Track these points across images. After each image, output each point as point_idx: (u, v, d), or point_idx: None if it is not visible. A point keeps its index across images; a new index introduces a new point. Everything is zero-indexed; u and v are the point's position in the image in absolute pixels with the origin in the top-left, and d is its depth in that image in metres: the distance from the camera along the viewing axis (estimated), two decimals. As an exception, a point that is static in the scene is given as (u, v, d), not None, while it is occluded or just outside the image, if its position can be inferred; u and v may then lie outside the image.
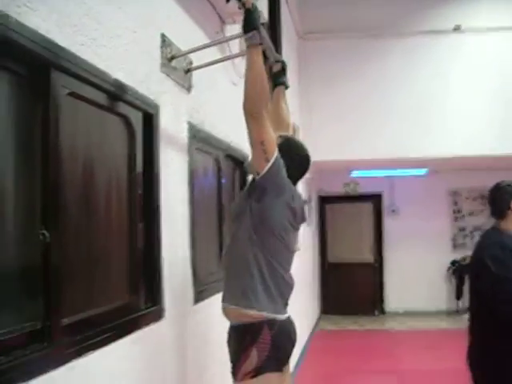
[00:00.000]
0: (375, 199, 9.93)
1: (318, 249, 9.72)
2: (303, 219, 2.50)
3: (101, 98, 1.99)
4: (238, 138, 3.84)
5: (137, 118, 2.28)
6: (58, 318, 1.67)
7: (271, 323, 2.23)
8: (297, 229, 2.47)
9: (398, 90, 7.41)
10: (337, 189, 9.92)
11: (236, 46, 3.81)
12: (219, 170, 3.44)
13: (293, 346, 2.38)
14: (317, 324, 8.93)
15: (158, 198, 2.39)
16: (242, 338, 2.25)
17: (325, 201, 9.97)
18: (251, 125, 2.19)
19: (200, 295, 2.89)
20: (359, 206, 9.89)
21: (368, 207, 9.93)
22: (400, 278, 9.61)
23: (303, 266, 7.29)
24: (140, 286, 2.27)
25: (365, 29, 7.42)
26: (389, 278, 9.80)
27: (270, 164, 2.19)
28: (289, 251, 2.43)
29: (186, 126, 2.81)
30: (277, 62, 2.88)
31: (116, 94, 2.06)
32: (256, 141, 2.20)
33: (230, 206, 3.26)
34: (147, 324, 2.23)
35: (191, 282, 2.81)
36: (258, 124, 2.17)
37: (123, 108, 2.16)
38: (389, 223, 9.83)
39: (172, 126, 2.62)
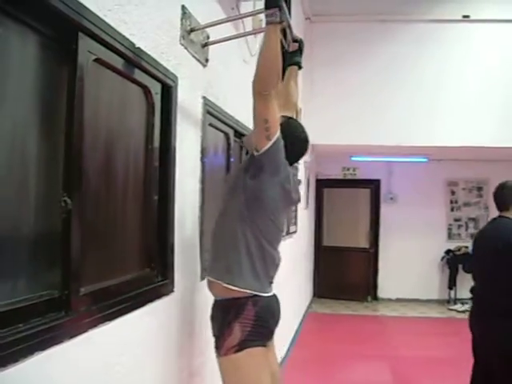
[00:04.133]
0: (373, 185, 9.93)
1: (313, 232, 9.73)
2: (297, 200, 2.53)
3: (124, 66, 1.95)
4: (248, 117, 3.81)
5: (156, 89, 2.25)
6: (76, 286, 1.65)
7: (255, 300, 2.25)
8: (289, 209, 2.48)
9: (402, 77, 7.37)
10: (335, 172, 9.91)
11: (249, 23, 3.77)
12: (229, 147, 3.41)
13: (276, 322, 2.42)
14: (309, 307, 8.97)
15: (173, 172, 2.37)
16: (225, 314, 2.26)
17: (323, 184, 9.94)
18: (258, 102, 2.17)
19: (207, 271, 2.87)
20: (357, 191, 9.87)
21: (366, 193, 9.93)
22: (394, 265, 9.65)
23: (298, 249, 7.30)
24: (153, 258, 2.25)
25: (373, 13, 7.36)
26: (383, 265, 9.83)
27: (270, 143, 2.19)
28: (278, 230, 2.46)
29: (201, 101, 2.78)
30: (294, 41, 2.84)
31: (138, 64, 2.02)
32: (260, 118, 2.19)
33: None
34: (159, 297, 2.23)
35: (199, 259, 2.80)
36: (265, 102, 2.15)
37: (144, 78, 2.13)
38: (386, 210, 9.85)
39: (188, 99, 2.58)
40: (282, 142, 2.24)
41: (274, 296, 2.41)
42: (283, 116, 2.45)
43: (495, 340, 3.28)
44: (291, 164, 2.43)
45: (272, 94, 2.15)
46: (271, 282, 2.41)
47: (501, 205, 3.56)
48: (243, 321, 2.22)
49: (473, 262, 3.79)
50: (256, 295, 2.26)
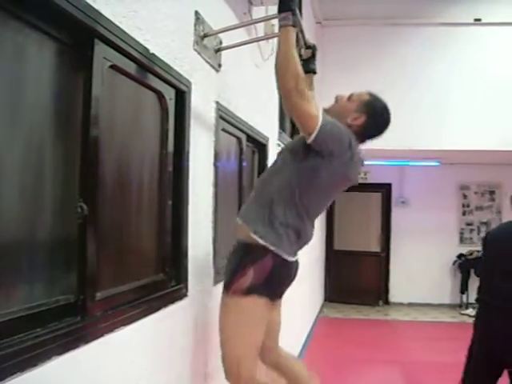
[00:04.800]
0: (385, 189, 9.90)
1: (324, 236, 9.71)
2: (355, 183, 2.49)
3: (139, 72, 1.96)
4: (260, 121, 3.83)
5: (170, 95, 2.26)
6: (92, 291, 1.66)
7: (276, 257, 2.24)
8: (342, 189, 2.48)
9: (413, 80, 7.36)
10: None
11: (262, 28, 3.78)
12: (241, 152, 3.42)
13: (290, 283, 2.43)
14: (320, 311, 8.95)
15: (187, 177, 2.38)
16: (244, 255, 2.26)
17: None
18: (286, 102, 2.20)
19: (220, 276, 2.88)
20: (368, 195, 9.83)
21: (377, 197, 9.90)
22: (406, 269, 9.62)
23: (310, 253, 7.29)
24: (167, 263, 2.26)
25: (383, 17, 7.35)
26: (394, 269, 9.80)
27: (313, 136, 2.17)
28: (322, 207, 2.47)
29: (214, 106, 2.79)
30: (307, 48, 2.85)
31: (153, 69, 2.03)
32: (294, 115, 2.21)
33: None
34: (173, 302, 2.23)
35: (212, 263, 2.81)
36: (293, 100, 2.14)
37: (158, 84, 2.14)
38: (397, 214, 9.81)
39: (201, 104, 2.59)
40: (328, 128, 2.20)
41: (296, 262, 2.39)
42: (371, 94, 2.47)
43: None
44: (368, 139, 2.47)
45: (297, 90, 2.12)
46: (296, 253, 2.39)
47: None
48: (259, 268, 2.21)
49: (486, 262, 3.70)
50: (279, 255, 2.24)
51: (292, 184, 2.27)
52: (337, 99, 2.51)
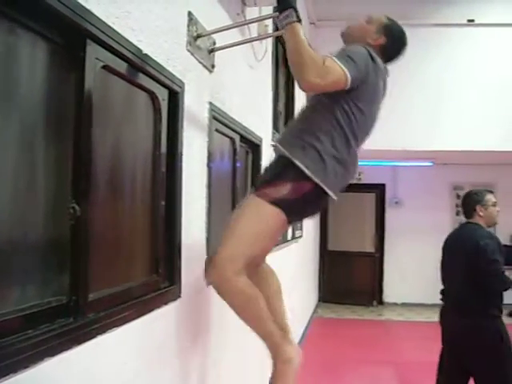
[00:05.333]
0: (379, 189, 9.92)
1: (318, 236, 9.72)
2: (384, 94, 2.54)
3: (131, 72, 1.96)
4: (253, 122, 3.83)
5: (163, 96, 2.26)
6: (85, 292, 1.65)
7: (318, 187, 2.19)
8: (379, 106, 2.50)
9: (407, 80, 7.35)
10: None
11: (255, 29, 3.78)
12: (235, 152, 3.41)
13: (316, 213, 2.48)
14: (315, 311, 8.96)
15: (180, 178, 2.37)
16: (288, 169, 2.21)
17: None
18: (320, 90, 2.20)
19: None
20: (362, 195, 9.86)
21: (371, 197, 9.92)
22: (400, 269, 9.64)
23: (304, 254, 7.30)
24: (160, 264, 2.25)
25: (377, 18, 7.35)
26: (388, 269, 9.82)
27: (349, 82, 2.16)
28: (368, 130, 2.44)
29: (207, 107, 2.79)
30: None
31: (145, 70, 2.03)
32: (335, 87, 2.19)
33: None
34: (166, 303, 2.22)
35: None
36: (327, 80, 2.11)
37: (151, 84, 2.13)
38: (391, 214, 9.83)
39: (194, 105, 2.59)
40: (355, 67, 2.17)
41: (333, 196, 2.31)
42: (389, 18, 2.55)
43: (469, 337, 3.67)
44: (387, 61, 2.48)
45: (321, 76, 2.09)
46: (343, 187, 2.36)
47: (466, 212, 4.05)
48: (297, 187, 2.17)
49: (443, 264, 4.41)
50: (320, 187, 2.20)
51: (336, 110, 2.23)
52: (354, 21, 2.57)
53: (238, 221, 2.25)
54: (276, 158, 2.36)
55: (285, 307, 2.55)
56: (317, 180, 2.17)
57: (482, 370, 3.64)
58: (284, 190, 2.16)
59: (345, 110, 2.25)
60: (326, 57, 2.15)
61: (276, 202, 2.16)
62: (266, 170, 2.36)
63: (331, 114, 2.24)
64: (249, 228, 2.22)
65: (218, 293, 2.20)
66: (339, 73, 2.13)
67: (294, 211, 2.24)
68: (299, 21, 2.10)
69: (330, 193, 2.23)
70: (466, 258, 3.76)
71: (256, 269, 2.44)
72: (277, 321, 2.34)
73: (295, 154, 2.20)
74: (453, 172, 9.52)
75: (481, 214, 3.89)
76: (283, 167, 2.23)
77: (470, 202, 3.98)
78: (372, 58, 2.28)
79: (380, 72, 2.36)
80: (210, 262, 2.28)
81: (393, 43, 2.49)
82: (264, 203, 2.17)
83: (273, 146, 2.33)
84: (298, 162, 2.18)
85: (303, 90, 2.20)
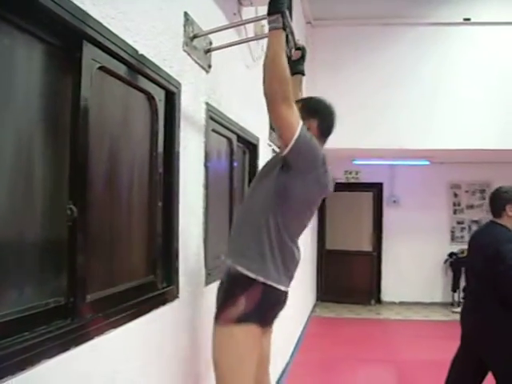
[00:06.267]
0: (376, 188, 9.92)
1: (316, 236, 9.72)
2: (331, 191, 2.51)
3: (128, 73, 1.96)
4: (250, 122, 3.82)
5: (159, 96, 2.26)
6: (82, 294, 1.65)
7: (265, 285, 2.24)
8: (318, 204, 2.49)
9: (404, 79, 7.37)
10: (338, 176, 9.90)
11: (251, 29, 3.78)
12: (232, 152, 3.42)
13: (280, 309, 2.43)
14: (313, 311, 8.96)
15: (177, 178, 2.37)
16: (234, 286, 2.26)
17: (325, 188, 9.91)
18: (270, 109, 2.18)
19: (211, 277, 2.88)
20: (360, 194, 9.86)
21: (368, 196, 9.92)
22: (397, 268, 9.65)
23: (302, 253, 7.29)
24: (158, 264, 2.25)
25: (374, 17, 7.36)
26: (386, 268, 9.82)
27: (292, 142, 2.16)
28: (302, 225, 2.47)
29: (204, 107, 2.79)
30: (297, 49, 2.84)
31: (142, 71, 2.03)
32: (275, 124, 2.23)
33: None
34: (164, 303, 2.23)
35: (203, 264, 2.80)
36: (277, 108, 2.14)
37: (148, 85, 2.14)
38: (388, 213, 9.84)
39: (191, 105, 2.59)
40: (306, 138, 2.21)
41: (287, 293, 2.40)
42: (303, 99, 2.56)
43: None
44: (326, 137, 2.50)
45: (282, 96, 2.12)
46: (291, 278, 2.41)
47: (494, 211, 3.70)
48: (250, 296, 2.21)
49: (467, 262, 4.05)
50: (269, 285, 2.25)
51: (268, 207, 2.28)
52: None
53: (218, 360, 2.29)
54: (220, 282, 2.39)
55: None
56: (261, 278, 2.23)
57: (501, 366, 3.56)
58: (241, 304, 2.21)
59: (278, 205, 2.29)
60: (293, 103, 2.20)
61: (240, 320, 2.21)
62: (217, 296, 2.38)
63: (263, 212, 2.29)
64: (231, 358, 2.27)
65: None
66: (293, 118, 2.17)
67: (262, 316, 2.29)
68: (284, 28, 2.16)
69: (276, 285, 2.28)
70: (485, 260, 3.50)
71: None
72: None
73: (236, 260, 2.27)
74: (450, 171, 9.52)
75: (510, 214, 3.59)
76: (229, 287, 2.29)
77: (499, 201, 3.67)
78: (323, 161, 2.34)
79: (326, 175, 2.38)
80: None
81: (323, 120, 2.48)
82: (231, 328, 2.22)
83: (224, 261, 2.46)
84: (239, 267, 2.24)
85: (264, 95, 2.18)
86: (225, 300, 2.27)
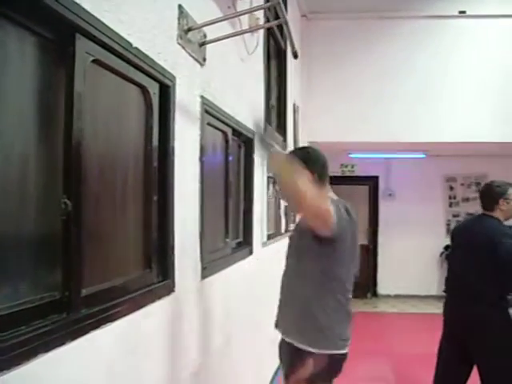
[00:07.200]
0: (372, 182, 9.93)
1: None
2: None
3: (122, 66, 1.94)
4: (246, 115, 3.82)
5: (154, 90, 2.24)
6: (77, 288, 1.65)
7: (330, 355, 2.35)
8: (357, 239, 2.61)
9: (399, 73, 7.37)
10: (334, 169, 9.89)
11: (246, 21, 3.77)
12: (227, 146, 3.41)
13: (341, 370, 2.53)
14: (309, 304, 8.97)
15: (172, 172, 2.36)
16: (298, 352, 2.35)
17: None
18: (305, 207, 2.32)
19: (207, 271, 2.87)
20: (355, 188, 9.85)
21: (364, 190, 9.93)
22: (393, 261, 9.67)
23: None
24: (153, 258, 2.25)
25: (369, 10, 7.35)
26: (382, 262, 9.85)
27: (335, 228, 2.29)
28: (350, 272, 2.56)
29: (198, 100, 2.78)
30: (295, 57, 2.95)
31: (136, 64, 2.02)
32: (316, 215, 2.32)
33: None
34: (159, 298, 2.22)
35: (199, 258, 2.80)
36: (312, 201, 2.26)
37: (142, 78, 2.12)
38: (384, 206, 9.85)
39: (186, 99, 2.58)
40: (339, 216, 2.33)
41: (347, 354, 2.49)
42: (294, 151, 2.77)
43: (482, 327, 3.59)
44: (325, 179, 2.67)
45: (311, 195, 2.24)
46: (346, 341, 2.49)
47: (486, 205, 3.77)
48: (317, 357, 2.30)
49: (453, 253, 4.12)
50: (331, 354, 2.36)
51: (320, 289, 2.38)
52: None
53: None
54: (279, 345, 2.49)
55: None
56: (326, 352, 2.34)
57: (489, 358, 3.60)
58: (310, 365, 2.31)
59: (325, 271, 2.39)
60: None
61: (312, 381, 2.30)
62: (283, 357, 2.48)
63: (314, 282, 2.40)
64: None
65: None
66: (327, 204, 2.31)
67: (332, 374, 2.42)
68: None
69: (339, 351, 2.39)
70: (482, 252, 3.59)
71: None
72: None
73: (295, 338, 2.37)
74: (445, 164, 9.54)
75: (503, 207, 3.66)
76: (292, 350, 2.38)
77: (492, 195, 3.73)
78: (348, 213, 2.46)
79: (353, 222, 2.51)
80: None
81: (315, 168, 2.60)
82: None
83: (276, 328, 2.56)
84: (301, 346, 2.34)
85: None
86: (293, 360, 2.36)
